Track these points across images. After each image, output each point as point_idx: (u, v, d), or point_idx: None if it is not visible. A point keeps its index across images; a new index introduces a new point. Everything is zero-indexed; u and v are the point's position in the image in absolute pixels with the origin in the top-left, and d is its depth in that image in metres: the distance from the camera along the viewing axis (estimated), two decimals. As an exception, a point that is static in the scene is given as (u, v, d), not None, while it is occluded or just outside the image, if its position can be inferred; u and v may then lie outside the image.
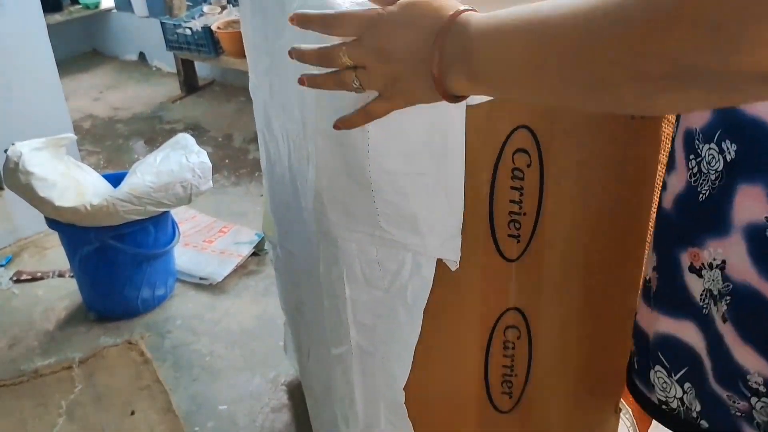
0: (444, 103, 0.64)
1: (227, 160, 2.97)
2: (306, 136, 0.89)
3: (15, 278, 2.20)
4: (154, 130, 3.35)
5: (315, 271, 0.96)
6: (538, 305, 0.93)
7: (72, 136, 2.07)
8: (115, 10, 4.21)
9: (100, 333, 1.95)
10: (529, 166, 0.81)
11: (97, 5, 4.08)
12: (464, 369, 0.95)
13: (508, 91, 0.62)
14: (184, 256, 2.20)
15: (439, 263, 0.83)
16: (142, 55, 4.27)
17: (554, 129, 0.81)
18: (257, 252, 2.28)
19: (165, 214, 1.94)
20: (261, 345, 1.88)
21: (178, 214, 2.09)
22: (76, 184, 1.87)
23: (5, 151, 1.82)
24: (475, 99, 0.73)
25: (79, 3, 4.05)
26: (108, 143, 3.24)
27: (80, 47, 4.41)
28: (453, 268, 0.83)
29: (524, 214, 0.84)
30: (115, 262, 1.92)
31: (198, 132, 3.25)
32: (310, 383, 1.32)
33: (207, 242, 2.32)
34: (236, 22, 3.22)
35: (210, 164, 1.93)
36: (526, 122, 0.79)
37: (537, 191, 0.83)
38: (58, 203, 1.76)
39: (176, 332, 1.95)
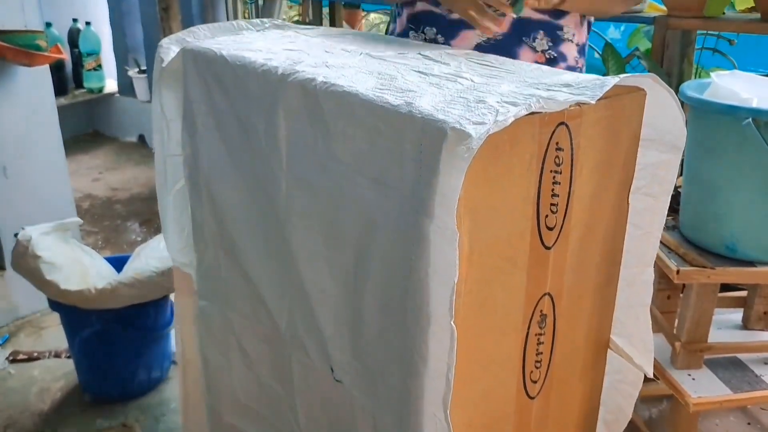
0: None
1: (223, 243, 3.03)
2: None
3: (11, 358, 2.22)
4: (151, 212, 3.42)
5: None
6: (563, 288, 1.02)
7: (78, 220, 2.15)
8: (117, 95, 4.36)
9: (96, 415, 1.96)
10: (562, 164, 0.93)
11: (101, 90, 4.23)
12: (506, 356, 0.99)
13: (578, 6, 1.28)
14: (180, 338, 2.23)
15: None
16: (141, 138, 4.40)
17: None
18: (252, 335, 2.32)
19: (165, 297, 1.99)
20: (255, 429, 1.90)
21: (176, 296, 2.15)
22: (80, 267, 1.93)
23: (15, 235, 1.89)
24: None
25: (83, 87, 4.20)
26: (106, 223, 3.31)
27: (82, 128, 4.54)
28: None
29: (558, 204, 0.94)
30: (115, 345, 1.96)
31: (195, 214, 3.33)
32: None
33: (203, 324, 2.35)
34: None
35: (212, 250, 2.00)
36: (564, 119, 0.89)
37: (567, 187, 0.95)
38: (63, 286, 1.82)
39: (171, 415, 1.97)
